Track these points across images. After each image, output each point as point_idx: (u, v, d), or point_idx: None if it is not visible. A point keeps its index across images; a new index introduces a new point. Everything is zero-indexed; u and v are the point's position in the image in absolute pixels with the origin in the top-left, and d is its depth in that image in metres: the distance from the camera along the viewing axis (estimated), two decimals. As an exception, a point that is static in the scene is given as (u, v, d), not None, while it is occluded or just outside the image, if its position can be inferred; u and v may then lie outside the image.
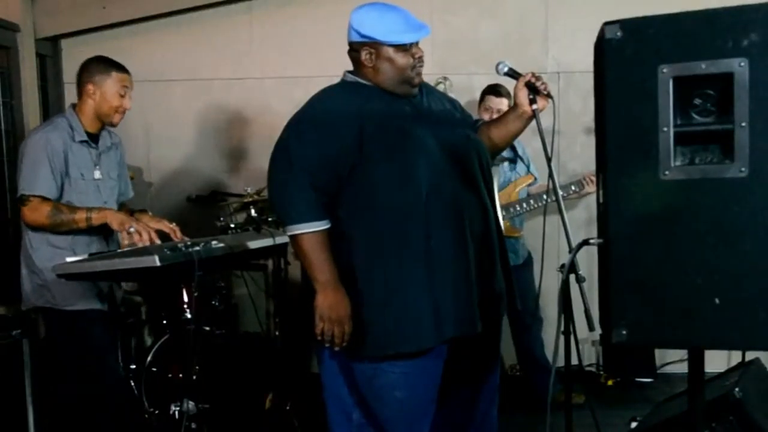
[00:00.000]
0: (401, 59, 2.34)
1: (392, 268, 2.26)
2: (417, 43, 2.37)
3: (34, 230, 2.95)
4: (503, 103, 3.84)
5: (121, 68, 3.08)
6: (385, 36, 2.32)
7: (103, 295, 3.06)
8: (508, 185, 4.00)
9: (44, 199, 2.87)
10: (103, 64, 3.06)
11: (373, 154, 2.26)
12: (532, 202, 3.98)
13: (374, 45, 2.34)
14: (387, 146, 2.27)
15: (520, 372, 4.39)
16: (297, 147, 2.28)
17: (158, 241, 2.83)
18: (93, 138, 3.08)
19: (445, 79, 3.63)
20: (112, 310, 3.14)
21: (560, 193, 2.35)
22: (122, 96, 3.04)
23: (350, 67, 2.45)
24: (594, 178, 3.91)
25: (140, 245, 2.77)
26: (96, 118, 3.06)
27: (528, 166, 4.08)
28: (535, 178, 4.07)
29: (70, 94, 4.57)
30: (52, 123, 3.05)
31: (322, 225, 2.27)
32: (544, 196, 3.91)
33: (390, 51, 2.33)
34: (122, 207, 3.28)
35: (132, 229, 2.82)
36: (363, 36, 2.34)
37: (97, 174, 3.07)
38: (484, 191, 2.40)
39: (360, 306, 2.28)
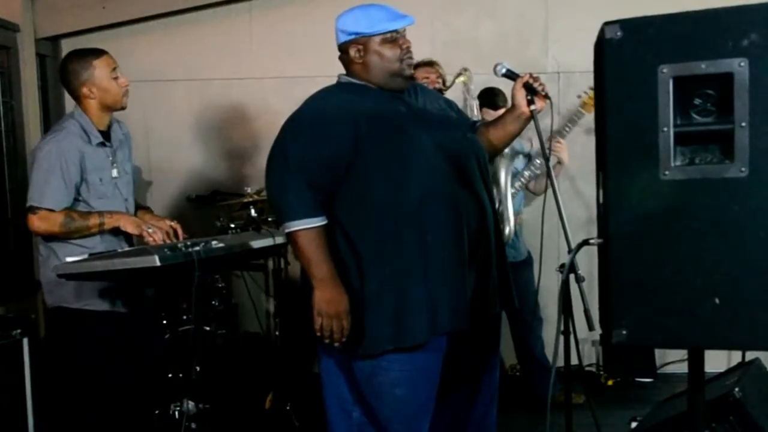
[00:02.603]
0: (389, 51, 2.37)
1: (389, 265, 2.27)
2: (404, 35, 2.40)
3: (47, 240, 2.91)
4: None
5: (95, 52, 2.97)
6: (370, 28, 2.36)
7: (123, 295, 3.01)
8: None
9: (51, 209, 2.82)
10: (80, 60, 2.95)
11: (369, 152, 2.27)
12: (528, 174, 3.95)
13: (361, 40, 2.37)
14: (382, 145, 2.28)
15: (519, 372, 4.39)
16: (293, 147, 2.30)
17: (168, 240, 2.83)
18: (106, 136, 3.02)
19: (466, 70, 3.53)
20: (135, 312, 3.09)
21: (559, 194, 2.34)
22: (116, 77, 2.95)
23: (349, 67, 2.47)
24: (559, 144, 3.92)
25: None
26: (103, 112, 2.98)
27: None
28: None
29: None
30: (63, 129, 2.92)
31: (318, 222, 2.28)
32: (537, 162, 3.89)
33: (377, 43, 2.36)
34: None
35: (151, 229, 2.82)
36: (349, 33, 2.38)
37: (114, 173, 3.02)
38: (482, 190, 2.41)
39: (357, 303, 2.29)
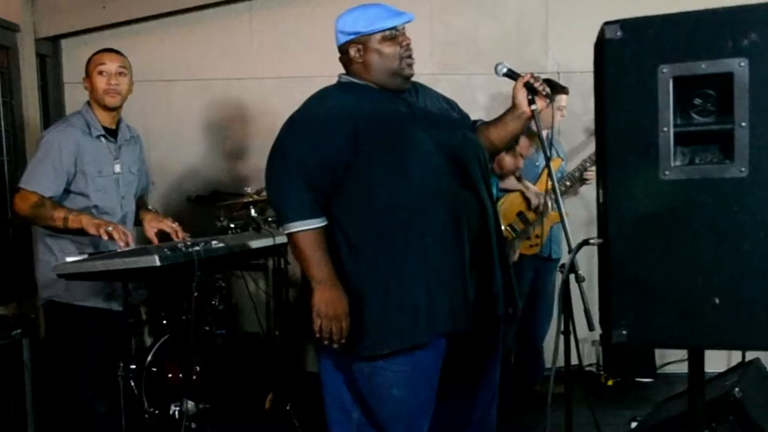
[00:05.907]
0: (388, 49, 2.36)
1: (388, 266, 2.27)
2: (404, 33, 2.39)
3: (42, 235, 2.93)
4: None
5: (100, 51, 3.08)
6: (368, 26, 2.36)
7: (116, 294, 3.04)
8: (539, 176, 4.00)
9: (34, 192, 2.86)
10: (90, 58, 3.08)
11: (368, 153, 2.27)
12: (567, 183, 3.97)
13: (360, 39, 2.37)
14: (382, 146, 2.28)
15: (514, 360, 4.14)
16: (292, 147, 2.30)
17: (134, 244, 2.81)
18: (111, 133, 3.07)
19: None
20: (125, 311, 3.11)
21: (559, 195, 2.34)
22: (100, 74, 3.01)
23: (348, 67, 2.47)
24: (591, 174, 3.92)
25: (121, 246, 2.75)
26: (101, 109, 3.04)
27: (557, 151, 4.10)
28: (563, 160, 4.10)
29: (70, 94, 4.57)
30: (66, 121, 3.06)
31: (318, 223, 2.28)
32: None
33: (376, 41, 2.36)
34: (140, 201, 3.28)
35: (110, 228, 2.79)
36: (348, 33, 2.38)
37: (117, 168, 3.06)
38: (483, 190, 2.41)
39: (356, 304, 2.29)
